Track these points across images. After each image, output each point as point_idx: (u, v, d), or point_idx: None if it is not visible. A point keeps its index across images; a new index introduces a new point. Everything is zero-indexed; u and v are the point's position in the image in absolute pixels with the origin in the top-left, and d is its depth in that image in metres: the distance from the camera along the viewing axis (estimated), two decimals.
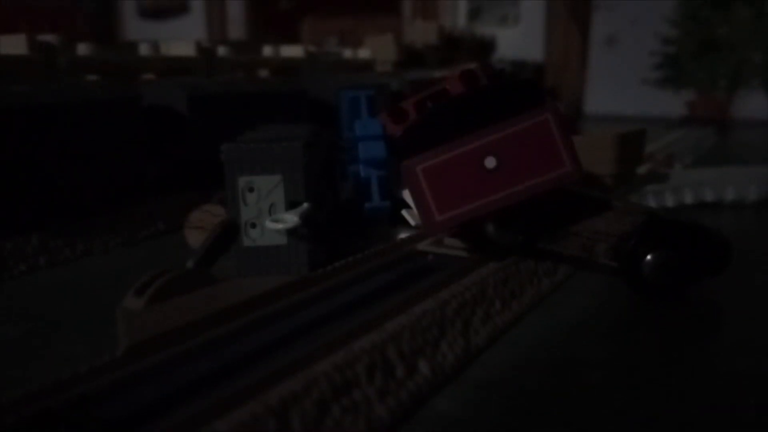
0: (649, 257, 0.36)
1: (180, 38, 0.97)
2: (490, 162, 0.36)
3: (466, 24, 1.99)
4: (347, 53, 1.19)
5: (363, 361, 0.26)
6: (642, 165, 0.68)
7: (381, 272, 0.37)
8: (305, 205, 0.36)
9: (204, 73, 0.84)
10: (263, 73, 1.00)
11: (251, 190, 0.36)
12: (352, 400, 0.24)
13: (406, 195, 0.44)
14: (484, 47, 1.72)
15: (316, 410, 0.23)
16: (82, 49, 0.74)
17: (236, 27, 2.34)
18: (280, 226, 0.36)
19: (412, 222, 0.45)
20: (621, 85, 1.87)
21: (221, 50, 0.92)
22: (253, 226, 0.36)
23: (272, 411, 0.22)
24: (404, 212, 0.46)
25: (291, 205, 0.36)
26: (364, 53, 1.20)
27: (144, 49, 0.82)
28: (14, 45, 0.60)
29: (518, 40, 1.94)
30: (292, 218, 0.36)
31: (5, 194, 0.48)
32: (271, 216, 0.36)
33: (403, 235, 0.44)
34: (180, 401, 0.22)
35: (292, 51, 1.04)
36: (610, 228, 0.38)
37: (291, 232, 0.36)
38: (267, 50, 1.03)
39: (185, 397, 0.23)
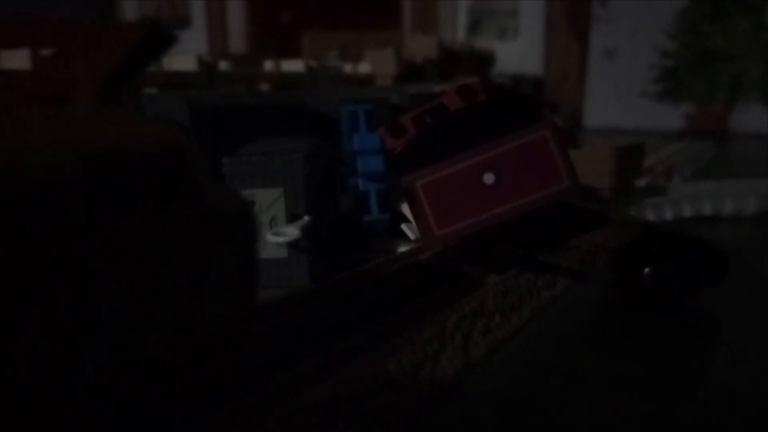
0: (647, 270, 0.37)
1: (181, 52, 0.98)
2: (489, 178, 0.36)
3: (465, 38, 2.00)
4: (348, 67, 1.20)
5: (365, 374, 0.26)
6: (641, 178, 0.68)
7: (381, 286, 0.37)
8: (306, 218, 0.37)
9: (205, 86, 0.84)
10: (264, 87, 1.00)
11: (252, 203, 0.37)
12: (355, 413, 0.24)
13: (406, 209, 0.44)
14: (484, 61, 1.73)
15: (322, 421, 0.23)
16: None
17: (237, 40, 2.36)
18: (281, 239, 0.36)
19: (411, 236, 0.46)
20: (620, 98, 1.88)
21: (222, 64, 0.92)
22: None
23: (279, 426, 0.22)
24: (404, 226, 0.46)
25: (292, 218, 0.37)
26: (364, 67, 1.21)
27: None
28: (18, 59, 0.60)
29: (517, 54, 1.95)
30: (292, 231, 0.36)
31: None
32: (272, 229, 0.36)
33: (402, 249, 0.44)
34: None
35: (292, 65, 1.05)
36: (608, 241, 0.39)
37: (292, 246, 0.37)
38: (268, 64, 1.03)
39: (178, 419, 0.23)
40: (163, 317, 0.19)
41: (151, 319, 0.19)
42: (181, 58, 0.86)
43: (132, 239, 0.18)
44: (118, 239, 0.18)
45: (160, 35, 0.24)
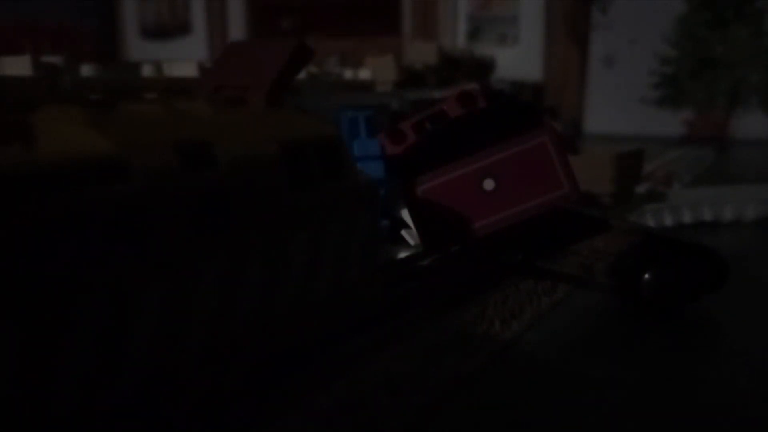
0: (647, 276, 0.37)
1: (182, 58, 0.98)
2: (489, 184, 0.36)
3: (465, 44, 2.00)
4: (348, 73, 1.20)
5: (366, 380, 0.26)
6: (640, 184, 0.68)
7: (381, 292, 0.37)
8: None
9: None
10: None
11: None
12: (356, 419, 0.24)
13: (406, 215, 0.44)
14: (484, 67, 1.73)
15: (323, 427, 0.23)
16: (86, 70, 0.74)
17: None
18: None
19: (411, 242, 0.46)
20: (620, 104, 1.88)
21: None
22: None
23: None
24: (403, 232, 0.46)
25: None
26: (364, 73, 1.21)
27: (147, 70, 0.83)
28: (19, 66, 0.61)
29: (517, 60, 1.95)
30: None
31: None
32: None
33: (402, 255, 0.44)
34: None
35: None
36: (608, 247, 0.39)
37: None
38: None
39: None
40: (327, 261, 0.28)
41: (320, 263, 0.27)
42: (182, 65, 0.86)
43: (310, 203, 0.26)
44: (302, 203, 0.26)
45: (304, 51, 0.29)
